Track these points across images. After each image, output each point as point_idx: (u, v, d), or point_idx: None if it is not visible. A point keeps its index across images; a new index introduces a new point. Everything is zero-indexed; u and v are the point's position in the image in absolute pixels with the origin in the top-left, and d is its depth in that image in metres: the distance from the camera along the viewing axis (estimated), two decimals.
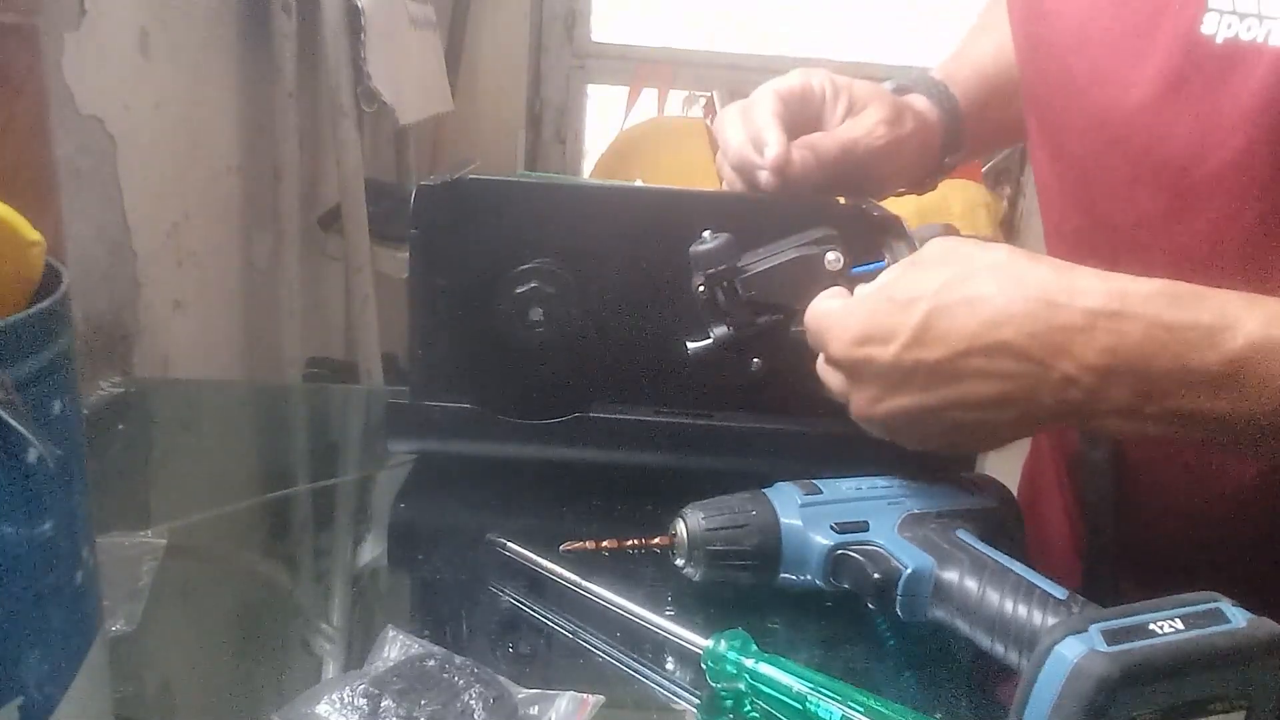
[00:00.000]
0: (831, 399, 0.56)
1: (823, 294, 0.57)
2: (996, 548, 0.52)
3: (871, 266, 0.59)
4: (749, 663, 0.46)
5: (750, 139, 0.64)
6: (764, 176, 0.63)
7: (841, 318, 0.54)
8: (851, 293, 0.56)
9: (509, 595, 0.55)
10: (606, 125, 2.26)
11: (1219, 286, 0.46)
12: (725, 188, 0.68)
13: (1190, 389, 0.45)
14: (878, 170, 0.67)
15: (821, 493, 0.55)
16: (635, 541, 0.55)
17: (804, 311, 0.57)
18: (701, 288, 0.60)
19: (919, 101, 0.71)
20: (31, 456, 0.32)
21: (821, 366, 0.56)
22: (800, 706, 0.44)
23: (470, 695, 0.43)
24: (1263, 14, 0.47)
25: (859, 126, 0.66)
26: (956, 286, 0.49)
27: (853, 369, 0.53)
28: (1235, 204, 0.51)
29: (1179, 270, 0.47)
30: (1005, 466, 0.71)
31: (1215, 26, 0.49)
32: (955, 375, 0.49)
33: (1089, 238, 0.57)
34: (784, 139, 0.63)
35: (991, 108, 0.74)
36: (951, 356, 0.49)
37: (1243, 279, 0.46)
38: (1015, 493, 0.62)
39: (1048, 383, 0.47)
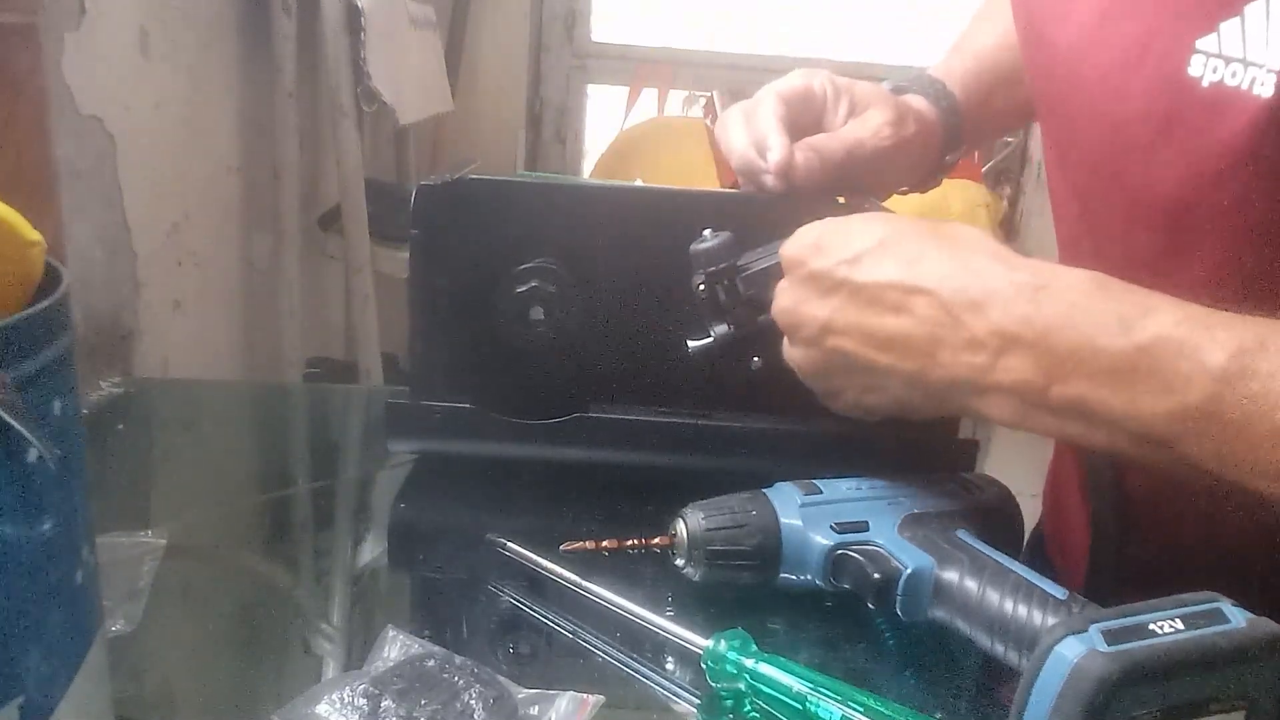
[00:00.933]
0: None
1: None
2: (996, 548, 0.52)
3: None
4: (749, 663, 0.46)
5: (754, 143, 0.64)
6: (768, 180, 0.63)
7: (808, 227, 0.56)
8: None
9: (509, 595, 0.55)
10: (606, 125, 2.26)
11: None
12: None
13: (1092, 375, 0.45)
14: (882, 171, 0.67)
15: (821, 493, 0.55)
16: (635, 541, 0.55)
17: None
18: (702, 286, 0.60)
19: (916, 102, 0.71)
20: (31, 456, 0.32)
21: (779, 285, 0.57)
22: (800, 706, 0.44)
23: (470, 695, 0.43)
24: (1248, 60, 0.46)
25: (864, 128, 0.66)
26: (914, 235, 0.52)
27: (792, 266, 0.55)
28: (1232, 248, 0.50)
29: None
30: (1009, 468, 0.70)
31: (1202, 69, 0.48)
32: (871, 302, 0.51)
33: (1094, 265, 0.57)
34: (787, 142, 0.63)
35: (997, 95, 0.74)
36: (875, 285, 0.51)
37: None
38: (1040, 499, 0.61)
39: (953, 339, 0.49)
